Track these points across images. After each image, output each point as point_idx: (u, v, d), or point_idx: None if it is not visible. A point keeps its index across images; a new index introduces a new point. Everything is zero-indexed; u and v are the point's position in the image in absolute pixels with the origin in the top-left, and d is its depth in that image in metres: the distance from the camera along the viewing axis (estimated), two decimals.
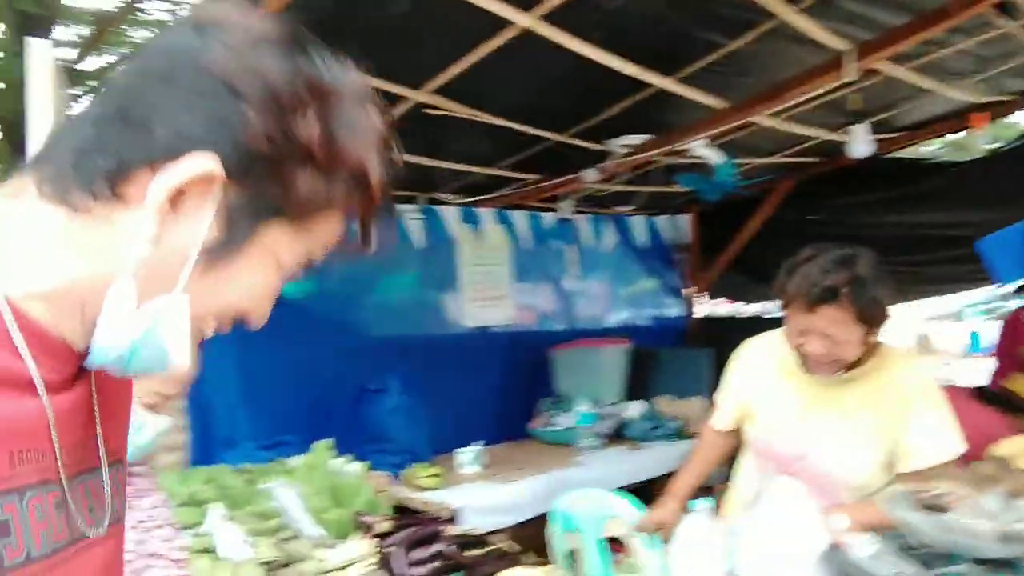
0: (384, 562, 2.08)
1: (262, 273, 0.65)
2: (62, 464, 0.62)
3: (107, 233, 0.60)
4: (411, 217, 4.02)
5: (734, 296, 6.49)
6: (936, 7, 2.45)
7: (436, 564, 2.10)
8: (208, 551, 2.06)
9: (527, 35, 2.36)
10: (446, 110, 2.84)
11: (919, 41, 2.63)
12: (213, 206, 0.60)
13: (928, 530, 1.40)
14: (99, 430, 0.69)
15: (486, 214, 4.36)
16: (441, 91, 2.74)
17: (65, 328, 0.62)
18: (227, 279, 0.64)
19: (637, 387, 4.56)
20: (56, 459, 0.61)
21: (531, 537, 2.95)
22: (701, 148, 3.31)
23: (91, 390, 0.68)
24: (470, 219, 4.33)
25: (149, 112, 0.59)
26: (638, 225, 5.17)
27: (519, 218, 4.48)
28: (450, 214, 4.20)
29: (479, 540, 2.27)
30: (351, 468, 2.71)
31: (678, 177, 3.74)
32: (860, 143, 2.94)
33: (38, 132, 2.46)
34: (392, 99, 2.75)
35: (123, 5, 8.60)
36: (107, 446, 0.70)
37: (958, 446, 1.81)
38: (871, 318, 1.75)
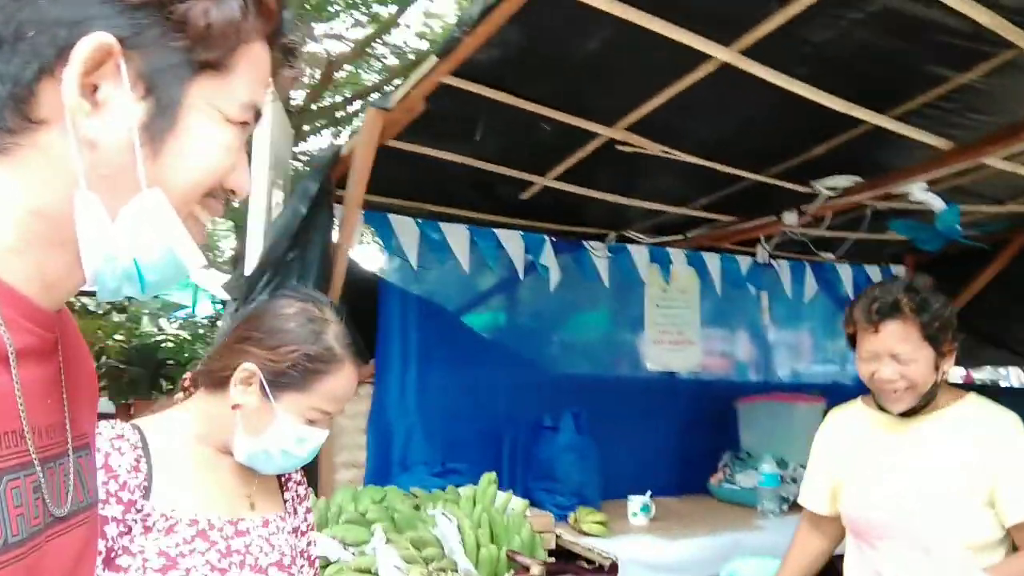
0: None
1: (211, 132, 0.63)
2: (34, 447, 0.61)
3: (44, 161, 0.58)
4: (599, 255, 3.96)
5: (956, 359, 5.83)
6: None
7: None
8: (369, 572, 2.09)
9: (726, 70, 2.25)
10: (639, 147, 2.76)
11: None
12: (129, 82, 0.58)
13: None
14: (67, 413, 0.68)
15: (677, 254, 4.21)
16: (635, 127, 2.68)
17: (47, 275, 0.61)
18: (180, 152, 0.62)
19: None
20: (28, 441, 0.60)
21: None
22: (920, 193, 2.99)
23: (59, 367, 0.67)
24: (660, 259, 4.20)
25: (15, 23, 0.56)
26: (844, 274, 4.78)
27: (711, 260, 4.28)
28: (639, 253, 4.10)
29: None
30: (513, 504, 2.67)
31: (892, 224, 3.40)
32: None
33: (259, 176, 2.69)
34: (585, 136, 2.73)
35: (353, 46, 9.34)
36: (73, 430, 0.69)
37: None
38: (937, 335, 1.78)
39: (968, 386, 5.73)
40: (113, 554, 1.13)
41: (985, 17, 1.98)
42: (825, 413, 4.13)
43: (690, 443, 4.26)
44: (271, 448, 1.26)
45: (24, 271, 0.60)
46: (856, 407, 2.11)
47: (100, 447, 1.13)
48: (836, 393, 4.62)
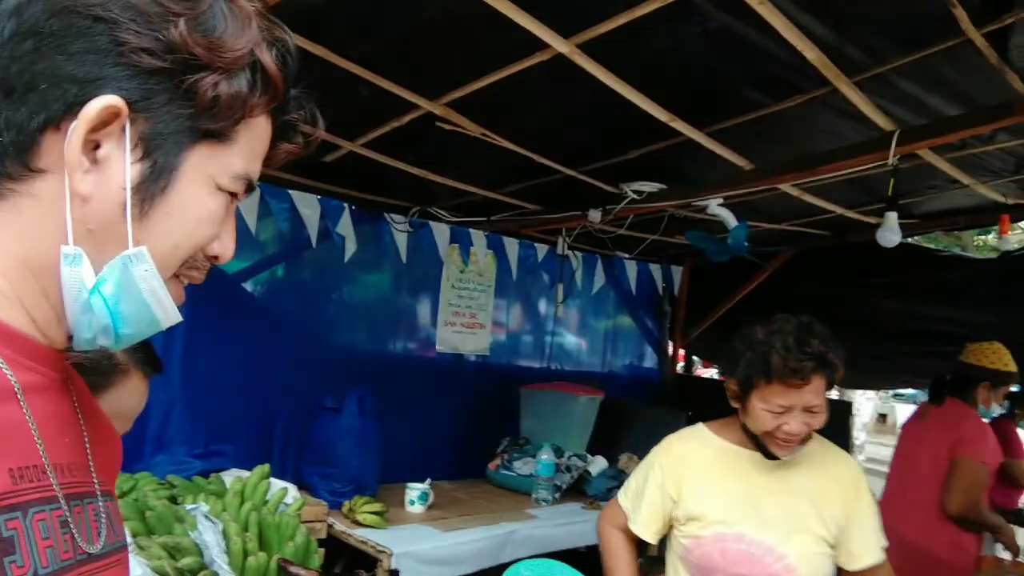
0: None
1: (201, 200, 0.65)
2: (57, 483, 0.61)
3: (37, 210, 0.60)
4: (400, 228, 3.76)
5: (711, 358, 6.31)
6: (996, 103, 2.27)
7: None
8: None
9: (560, 61, 2.14)
10: (458, 126, 2.60)
11: (969, 135, 2.46)
12: (129, 143, 0.60)
13: None
14: (90, 455, 0.70)
15: (478, 236, 4.12)
16: (456, 104, 2.51)
17: (38, 323, 0.62)
18: (167, 215, 0.63)
19: (603, 440, 4.32)
20: (49, 474, 0.61)
21: None
22: (717, 207, 3.11)
23: (74, 408, 0.69)
24: (461, 239, 4.09)
25: (28, 75, 0.58)
26: (631, 269, 4.96)
27: (511, 245, 4.23)
28: (441, 231, 3.95)
29: None
30: (288, 499, 2.44)
31: (688, 234, 3.53)
32: (891, 231, 2.74)
33: None
34: (404, 106, 2.52)
35: None
36: (98, 475, 0.71)
37: (885, 541, 1.85)
38: (835, 382, 1.74)
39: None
40: None
41: (811, 53, 2.03)
42: (602, 405, 4.35)
43: (472, 427, 4.23)
44: None
45: (17, 316, 0.61)
46: (693, 435, 1.97)
47: None
48: (612, 383, 4.83)
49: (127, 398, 1.06)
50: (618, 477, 4.09)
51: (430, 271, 4.05)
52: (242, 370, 3.24)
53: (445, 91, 2.44)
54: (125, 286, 0.61)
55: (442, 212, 3.87)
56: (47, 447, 0.61)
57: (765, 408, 1.72)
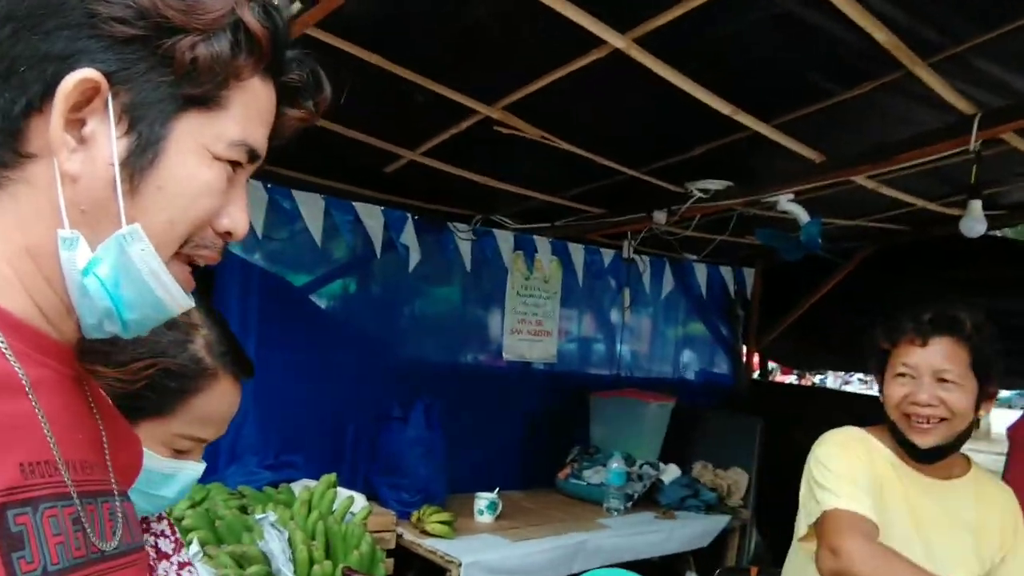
0: None
1: (196, 170, 0.62)
2: (71, 479, 0.60)
3: (33, 195, 0.59)
4: (463, 237, 3.75)
5: (790, 362, 6.11)
6: None
7: None
8: None
9: (617, 57, 2.09)
10: (516, 129, 2.57)
11: None
12: (114, 117, 0.58)
13: None
14: (107, 455, 0.69)
15: (542, 243, 4.08)
16: (514, 108, 2.48)
17: (46, 313, 0.61)
18: (160, 188, 0.61)
19: (676, 448, 4.22)
20: (61, 470, 0.59)
21: None
22: (788, 203, 3.00)
23: (88, 406, 0.68)
24: (525, 246, 4.06)
25: (8, 60, 0.57)
26: (700, 273, 4.84)
27: (576, 251, 4.18)
28: (504, 238, 3.93)
29: None
30: (355, 508, 2.44)
31: (758, 232, 3.41)
32: (975, 220, 2.59)
33: None
34: (462, 112, 2.51)
35: None
36: (116, 476, 0.70)
37: None
38: (987, 368, 1.60)
39: (807, 388, 6.01)
40: None
41: (881, 34, 1.93)
42: (674, 411, 4.24)
43: (540, 436, 4.18)
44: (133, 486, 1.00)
45: (24, 305, 0.60)
46: (869, 441, 1.73)
47: None
48: (684, 389, 4.71)
49: (217, 403, 1.05)
50: (691, 485, 3.98)
51: (495, 279, 4.04)
52: (311, 381, 3.28)
53: (501, 95, 2.42)
54: (122, 267, 0.59)
55: (505, 219, 3.85)
56: (59, 442, 0.60)
57: (891, 376, 1.65)
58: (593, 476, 3.90)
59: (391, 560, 2.70)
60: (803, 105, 2.43)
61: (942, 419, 1.59)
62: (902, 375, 1.63)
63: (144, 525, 1.15)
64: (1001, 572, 1.67)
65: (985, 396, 1.63)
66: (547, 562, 3.06)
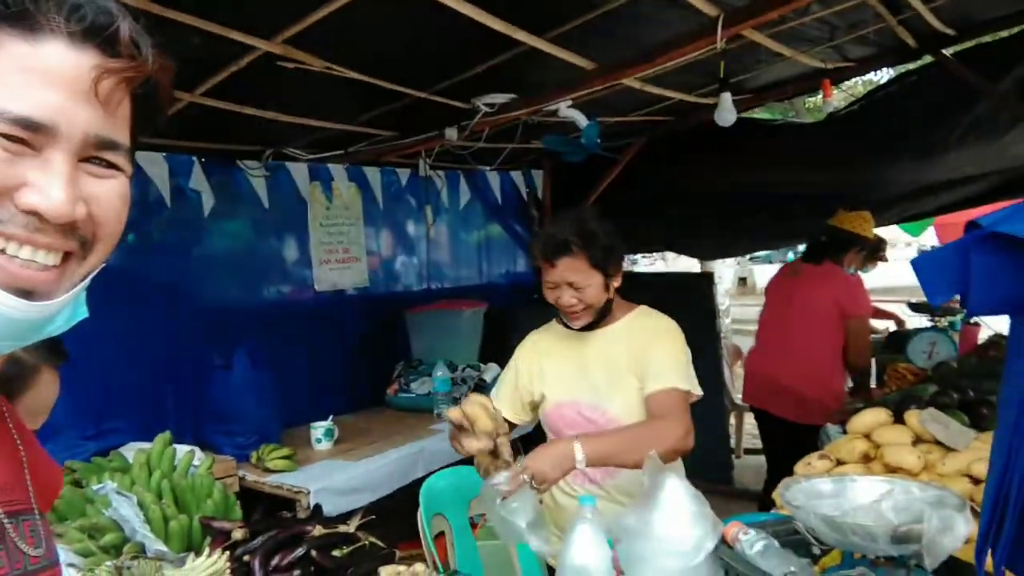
0: (242, 573, 1.88)
1: None
2: None
3: None
4: (256, 174, 3.66)
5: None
6: None
7: (299, 572, 1.93)
8: None
9: None
10: (300, 62, 2.55)
11: (788, 10, 2.63)
12: None
13: (827, 531, 1.40)
14: (27, 476, 0.71)
15: (338, 171, 4.07)
16: (294, 41, 2.45)
17: None
18: None
19: (494, 348, 4.48)
20: None
21: (393, 510, 2.84)
22: (567, 109, 3.21)
23: (8, 426, 0.71)
24: (321, 176, 4.03)
25: None
26: (493, 180, 5.04)
27: (373, 175, 4.21)
28: (299, 170, 3.88)
29: (346, 538, 2.10)
30: (196, 461, 2.45)
31: (544, 140, 3.62)
32: (727, 111, 2.94)
33: None
34: (240, 49, 2.44)
35: None
36: (36, 498, 0.71)
37: (687, 383, 2.07)
38: (603, 263, 2.07)
39: None
40: None
41: None
42: (486, 315, 4.49)
43: (364, 359, 4.29)
44: None
45: None
46: (551, 326, 2.34)
47: None
48: (492, 292, 4.96)
49: (44, 394, 1.06)
50: None
51: (295, 212, 3.99)
52: (120, 343, 3.14)
53: (280, 28, 2.38)
54: None
55: (298, 151, 3.79)
56: None
57: (544, 285, 2.14)
58: (420, 387, 4.08)
59: (241, 504, 2.74)
60: (572, 19, 2.60)
61: (584, 308, 2.10)
62: (548, 286, 2.13)
63: None
64: (646, 364, 2.09)
65: (610, 278, 2.12)
66: (391, 474, 3.23)
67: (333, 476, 3.07)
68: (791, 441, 3.37)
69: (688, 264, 8.51)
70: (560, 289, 2.09)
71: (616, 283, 2.16)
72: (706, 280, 5.86)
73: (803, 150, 4.40)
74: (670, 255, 13.04)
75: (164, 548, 1.87)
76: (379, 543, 2.13)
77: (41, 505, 0.74)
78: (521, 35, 2.58)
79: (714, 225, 5.30)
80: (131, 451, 2.67)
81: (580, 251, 2.05)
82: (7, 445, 0.70)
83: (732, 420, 6.00)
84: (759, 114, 5.85)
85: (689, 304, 4.68)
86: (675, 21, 2.73)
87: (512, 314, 4.73)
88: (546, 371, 2.27)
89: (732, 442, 5.88)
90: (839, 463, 2.27)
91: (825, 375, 3.77)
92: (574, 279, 2.06)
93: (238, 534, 1.96)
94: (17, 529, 0.66)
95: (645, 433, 1.94)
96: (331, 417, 3.49)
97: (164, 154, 3.30)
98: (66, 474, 2.34)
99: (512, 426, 2.33)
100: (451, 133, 3.43)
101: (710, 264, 7.54)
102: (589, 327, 2.17)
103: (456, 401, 3.98)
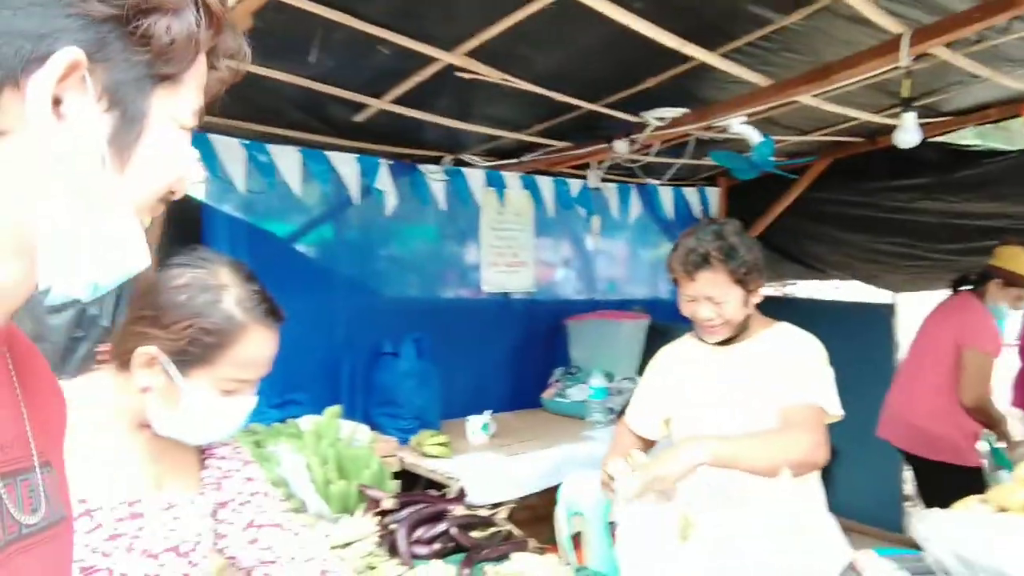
0: (387, 540, 2.05)
1: (171, 140, 0.65)
2: None
3: (4, 171, 0.56)
4: (435, 178, 3.92)
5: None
6: None
7: (438, 546, 2.06)
8: None
9: (565, 1, 2.24)
10: (478, 74, 2.72)
11: (980, 28, 2.48)
12: (93, 95, 0.57)
13: (962, 571, 1.33)
14: (28, 427, 0.68)
15: (511, 178, 4.26)
16: (474, 54, 2.63)
17: None
18: (147, 162, 0.62)
19: None
20: None
21: (536, 510, 2.94)
22: (739, 126, 3.18)
23: (9, 373, 0.67)
24: (495, 182, 4.23)
25: None
26: (665, 196, 5.04)
27: (545, 184, 4.37)
28: (475, 176, 4.10)
29: (485, 521, 2.22)
30: (360, 436, 2.67)
31: (712, 154, 3.61)
32: (910, 132, 2.79)
33: None
34: (424, 60, 2.65)
35: None
36: (37, 445, 0.69)
37: (826, 401, 1.99)
38: (744, 278, 2.03)
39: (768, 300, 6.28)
40: None
41: None
42: (649, 329, 4.50)
43: (524, 361, 4.43)
44: (191, 423, 1.21)
45: None
46: (684, 340, 2.33)
47: None
48: (657, 308, 4.95)
49: (254, 350, 1.20)
50: None
51: (469, 216, 4.22)
52: (305, 326, 3.46)
53: (460, 41, 2.56)
54: (106, 240, 0.61)
55: (474, 158, 4.01)
56: None
57: (681, 298, 2.12)
58: (576, 394, 4.17)
59: (398, 482, 2.95)
60: (743, 33, 2.60)
61: (722, 323, 2.06)
62: (686, 299, 2.09)
63: (209, 451, 1.36)
64: (785, 382, 2.01)
65: (750, 294, 2.07)
66: (539, 473, 3.33)
67: (484, 468, 3.22)
68: (930, 481, 3.16)
69: (870, 291, 8.00)
70: (698, 303, 2.07)
71: (756, 299, 2.11)
72: (887, 311, 5.51)
73: (1006, 180, 4.06)
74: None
75: (325, 507, 2.08)
76: (516, 531, 2.23)
77: (44, 452, 0.70)
78: (692, 49, 2.61)
79: (905, 255, 4.99)
80: (306, 422, 2.95)
81: (721, 265, 2.02)
82: (6, 396, 0.66)
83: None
84: (969, 139, 5.41)
85: (866, 335, 4.44)
86: (859, 38, 2.65)
87: (676, 331, 4.69)
88: (680, 385, 2.24)
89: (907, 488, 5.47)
90: (1001, 510, 2.09)
91: (948, 410, 3.46)
92: (713, 293, 2.03)
93: (388, 503, 2.13)
94: (14, 491, 0.64)
95: (774, 439, 1.89)
96: (489, 412, 3.65)
97: (356, 156, 3.61)
98: (250, 435, 2.63)
99: (649, 444, 2.34)
100: (621, 146, 3.49)
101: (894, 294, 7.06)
102: (725, 342, 2.13)
103: (610, 411, 4.03)
